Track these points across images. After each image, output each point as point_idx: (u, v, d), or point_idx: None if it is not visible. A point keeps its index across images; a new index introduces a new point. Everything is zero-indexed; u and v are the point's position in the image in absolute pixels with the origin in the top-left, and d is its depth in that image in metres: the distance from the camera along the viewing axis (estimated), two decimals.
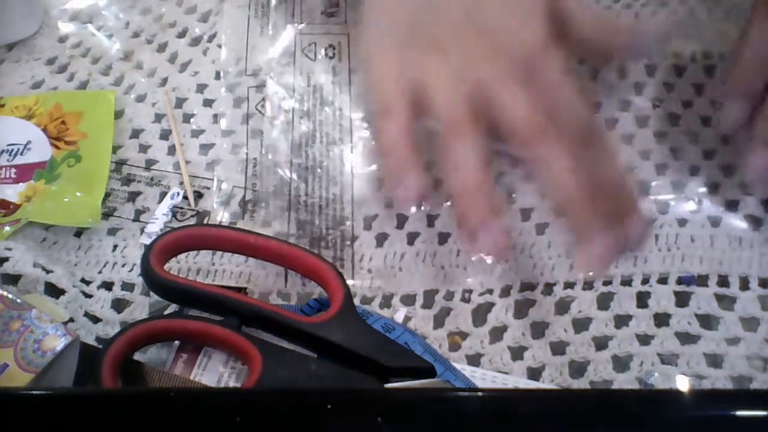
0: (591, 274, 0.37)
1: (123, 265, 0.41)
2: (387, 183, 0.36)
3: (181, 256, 0.40)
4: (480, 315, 0.38)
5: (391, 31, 0.36)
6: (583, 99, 0.34)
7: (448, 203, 0.39)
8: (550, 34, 0.34)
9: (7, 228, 0.41)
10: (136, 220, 0.42)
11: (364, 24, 0.38)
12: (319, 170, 0.42)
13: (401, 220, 0.41)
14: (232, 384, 0.34)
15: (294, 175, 0.42)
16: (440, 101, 0.34)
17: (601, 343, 0.37)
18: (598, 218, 0.33)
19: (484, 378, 0.35)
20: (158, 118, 0.46)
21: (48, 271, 0.39)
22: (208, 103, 0.47)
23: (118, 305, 0.40)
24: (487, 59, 0.34)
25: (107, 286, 0.40)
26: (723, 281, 0.38)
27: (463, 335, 0.38)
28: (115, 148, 0.45)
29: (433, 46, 0.35)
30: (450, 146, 0.34)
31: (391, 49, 0.36)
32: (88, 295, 0.40)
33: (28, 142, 0.45)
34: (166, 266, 0.36)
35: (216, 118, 0.46)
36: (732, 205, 0.40)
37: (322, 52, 0.47)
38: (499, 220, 0.34)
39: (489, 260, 0.37)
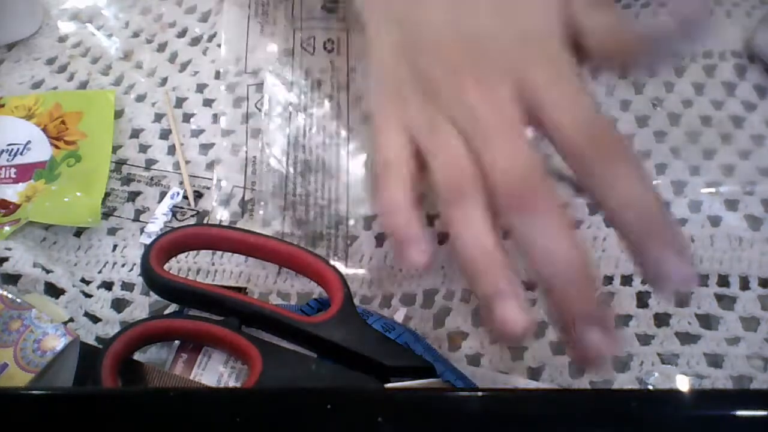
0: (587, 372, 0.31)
1: (123, 265, 0.41)
2: (392, 246, 0.32)
3: (181, 256, 0.40)
4: (480, 315, 0.38)
5: (390, 83, 0.33)
6: (600, 113, 0.29)
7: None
8: (555, 57, 0.30)
9: (7, 228, 0.41)
10: (136, 219, 0.42)
11: (368, 74, 0.34)
12: (318, 169, 0.42)
13: None
14: (232, 384, 0.34)
15: (293, 174, 0.42)
16: (437, 164, 0.30)
17: None
18: (592, 302, 0.27)
19: (484, 378, 0.35)
20: (158, 117, 0.46)
21: (48, 271, 0.39)
22: (207, 102, 0.47)
23: (118, 305, 0.40)
24: (484, 103, 0.30)
25: (107, 285, 0.40)
26: (723, 281, 0.38)
27: (463, 335, 0.38)
28: (115, 148, 0.45)
29: (430, 95, 0.31)
30: (451, 216, 0.30)
31: (390, 104, 0.32)
32: (88, 295, 0.40)
33: (28, 142, 0.45)
34: (166, 266, 0.36)
35: (216, 117, 0.46)
36: (732, 205, 0.40)
37: (321, 45, 0.47)
38: (517, 293, 0.28)
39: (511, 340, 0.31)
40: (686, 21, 0.29)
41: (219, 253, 0.40)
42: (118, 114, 0.47)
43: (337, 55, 0.46)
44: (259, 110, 0.45)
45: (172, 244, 0.36)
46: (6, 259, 0.39)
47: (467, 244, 0.29)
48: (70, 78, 0.49)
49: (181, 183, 0.43)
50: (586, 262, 0.28)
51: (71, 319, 0.38)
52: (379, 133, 0.32)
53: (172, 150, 0.45)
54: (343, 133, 0.44)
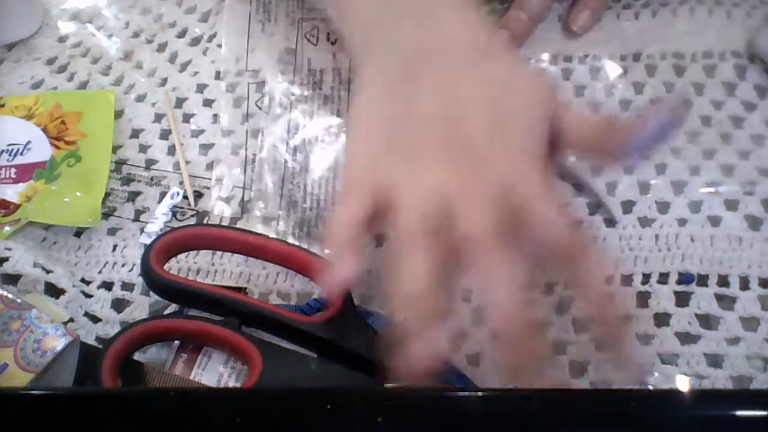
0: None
1: (123, 265, 0.41)
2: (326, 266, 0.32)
3: (181, 256, 0.40)
4: (480, 315, 0.38)
5: (373, 132, 0.34)
6: (565, 214, 0.31)
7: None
8: (533, 156, 0.32)
9: (7, 228, 0.41)
10: (136, 220, 0.42)
11: (350, 115, 0.35)
12: (318, 169, 0.42)
13: None
14: (232, 384, 0.34)
15: (293, 174, 0.42)
16: (401, 216, 0.31)
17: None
18: (533, 357, 0.30)
19: (483, 378, 0.35)
20: (158, 118, 0.46)
21: (48, 271, 0.39)
22: (207, 102, 0.47)
23: (118, 305, 0.40)
24: (462, 177, 0.31)
25: (107, 286, 0.40)
26: (723, 281, 0.38)
27: (464, 335, 0.37)
28: (115, 148, 0.45)
29: (410, 156, 0.32)
30: (401, 259, 0.31)
31: (370, 151, 0.34)
32: (88, 295, 0.40)
33: (28, 142, 0.45)
34: (166, 266, 0.36)
35: (216, 117, 0.46)
36: (732, 205, 0.40)
37: (325, 37, 0.47)
38: (442, 327, 0.30)
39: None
40: (663, 125, 0.32)
41: (219, 253, 0.40)
42: (118, 114, 0.47)
43: (340, 47, 0.46)
44: (260, 108, 0.45)
45: (172, 244, 0.36)
46: (6, 259, 0.39)
47: (404, 286, 0.30)
48: (70, 78, 0.49)
49: (181, 183, 0.43)
50: (533, 323, 0.30)
51: (71, 319, 0.38)
52: (353, 173, 0.34)
53: (172, 150, 0.45)
54: (344, 132, 0.44)
